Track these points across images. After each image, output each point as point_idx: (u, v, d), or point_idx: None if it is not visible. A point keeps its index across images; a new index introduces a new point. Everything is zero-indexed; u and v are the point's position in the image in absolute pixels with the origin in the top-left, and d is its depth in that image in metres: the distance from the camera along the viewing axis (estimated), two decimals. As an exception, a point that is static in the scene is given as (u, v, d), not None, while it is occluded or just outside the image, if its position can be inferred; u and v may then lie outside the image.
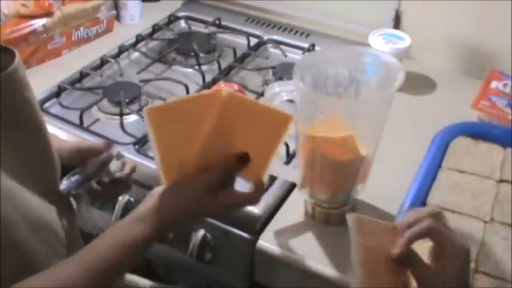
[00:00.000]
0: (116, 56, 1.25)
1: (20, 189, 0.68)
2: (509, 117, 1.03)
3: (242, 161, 0.69)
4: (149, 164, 0.97)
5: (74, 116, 1.07)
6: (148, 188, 0.95)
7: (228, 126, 0.69)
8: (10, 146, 0.67)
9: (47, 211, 0.72)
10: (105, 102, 1.11)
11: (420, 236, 0.63)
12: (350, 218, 0.66)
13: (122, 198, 0.96)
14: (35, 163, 0.72)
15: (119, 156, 0.81)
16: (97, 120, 1.09)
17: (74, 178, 0.77)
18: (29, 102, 0.70)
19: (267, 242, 0.85)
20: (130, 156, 0.98)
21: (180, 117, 0.67)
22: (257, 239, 0.86)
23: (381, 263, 0.64)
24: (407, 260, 0.63)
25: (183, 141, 0.68)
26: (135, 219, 0.68)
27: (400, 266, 0.64)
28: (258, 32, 1.33)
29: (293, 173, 0.87)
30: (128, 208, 0.96)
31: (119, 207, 0.96)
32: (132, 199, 0.97)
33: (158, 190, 0.69)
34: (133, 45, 1.30)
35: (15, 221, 0.65)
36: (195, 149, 0.68)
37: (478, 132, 0.99)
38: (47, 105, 1.12)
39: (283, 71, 1.17)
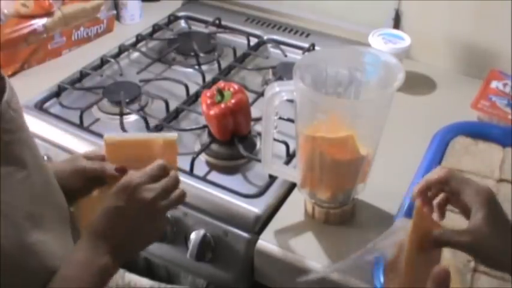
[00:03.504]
0: (116, 55, 1.25)
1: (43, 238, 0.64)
2: (509, 117, 1.03)
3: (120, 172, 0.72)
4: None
5: (74, 116, 1.07)
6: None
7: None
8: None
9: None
10: (105, 102, 1.11)
11: (438, 180, 0.65)
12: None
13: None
14: (47, 196, 0.68)
15: None
16: (97, 120, 1.09)
17: None
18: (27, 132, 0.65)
19: (267, 242, 0.85)
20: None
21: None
22: (257, 238, 0.86)
23: None
24: (442, 238, 0.61)
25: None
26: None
27: (437, 247, 0.63)
28: (258, 32, 1.33)
29: (293, 173, 0.87)
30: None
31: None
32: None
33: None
34: (133, 45, 1.30)
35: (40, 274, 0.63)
36: None
37: (477, 132, 0.99)
38: (47, 105, 1.12)
39: (283, 71, 1.17)
